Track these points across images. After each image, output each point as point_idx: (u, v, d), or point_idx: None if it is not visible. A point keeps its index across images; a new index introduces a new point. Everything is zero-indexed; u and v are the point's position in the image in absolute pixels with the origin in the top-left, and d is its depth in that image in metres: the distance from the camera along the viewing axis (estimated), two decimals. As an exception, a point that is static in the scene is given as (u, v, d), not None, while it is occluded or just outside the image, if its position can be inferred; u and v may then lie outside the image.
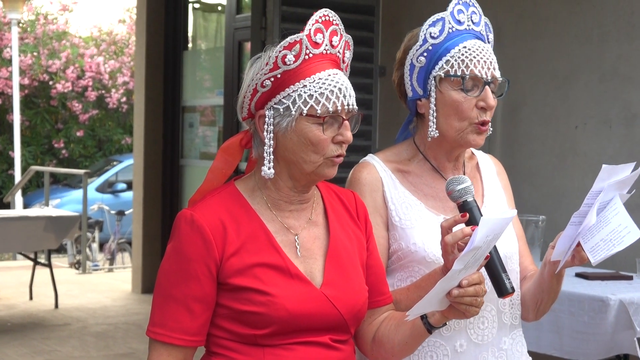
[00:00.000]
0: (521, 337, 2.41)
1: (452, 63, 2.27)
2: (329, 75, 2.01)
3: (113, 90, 18.18)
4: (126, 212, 12.12)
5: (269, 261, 2.01)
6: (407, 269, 2.29)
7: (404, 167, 2.37)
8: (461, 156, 2.42)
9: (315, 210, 2.13)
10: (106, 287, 10.04)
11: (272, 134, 2.01)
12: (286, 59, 1.98)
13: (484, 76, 2.27)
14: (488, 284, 2.05)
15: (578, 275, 4.71)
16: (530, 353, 4.41)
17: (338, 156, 2.03)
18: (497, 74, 2.30)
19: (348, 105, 2.01)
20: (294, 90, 1.99)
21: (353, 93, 2.04)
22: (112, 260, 11.88)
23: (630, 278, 4.70)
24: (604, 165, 2.15)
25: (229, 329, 2.01)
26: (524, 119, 5.92)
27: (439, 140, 2.32)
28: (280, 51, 1.98)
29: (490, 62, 2.29)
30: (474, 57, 2.27)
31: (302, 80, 1.99)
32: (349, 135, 2.02)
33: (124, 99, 18.21)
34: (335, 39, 2.04)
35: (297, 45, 1.99)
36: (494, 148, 6.00)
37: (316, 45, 2.01)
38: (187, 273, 1.99)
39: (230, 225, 2.02)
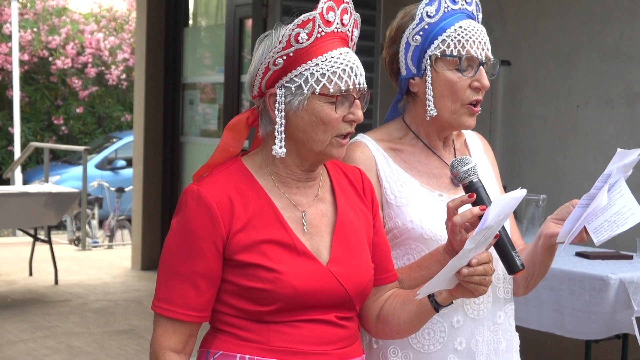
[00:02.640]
0: (512, 312, 2.44)
1: (448, 43, 2.28)
2: (341, 54, 2.01)
3: (113, 66, 18.15)
4: (126, 189, 12.14)
5: (276, 238, 2.01)
6: (403, 246, 2.30)
7: (396, 146, 2.38)
8: (451, 134, 2.43)
9: (322, 187, 2.14)
10: (106, 264, 10.07)
11: (283, 113, 2.01)
12: (299, 37, 1.98)
13: (479, 56, 2.29)
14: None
15: (579, 254, 4.72)
16: (532, 331, 4.46)
17: (347, 135, 2.04)
18: (490, 54, 2.32)
19: (359, 84, 2.01)
20: (306, 69, 1.99)
21: (363, 72, 2.04)
22: (111, 237, 11.91)
23: (631, 257, 4.71)
24: (618, 149, 2.16)
25: (235, 305, 2.02)
26: (525, 99, 5.91)
27: (431, 119, 2.33)
28: (293, 29, 1.98)
29: (485, 43, 2.31)
30: (470, 38, 2.28)
31: (314, 59, 1.99)
32: (360, 114, 2.02)
33: (123, 76, 18.18)
34: (346, 17, 2.04)
35: (310, 24, 1.98)
36: (495, 127, 6.00)
37: (328, 23, 2.00)
38: (193, 249, 1.99)
39: (237, 201, 2.01)
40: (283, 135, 2.02)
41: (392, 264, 2.22)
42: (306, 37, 1.98)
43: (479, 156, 2.48)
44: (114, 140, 15.93)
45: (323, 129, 2.00)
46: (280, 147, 2.01)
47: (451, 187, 2.36)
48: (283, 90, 2.01)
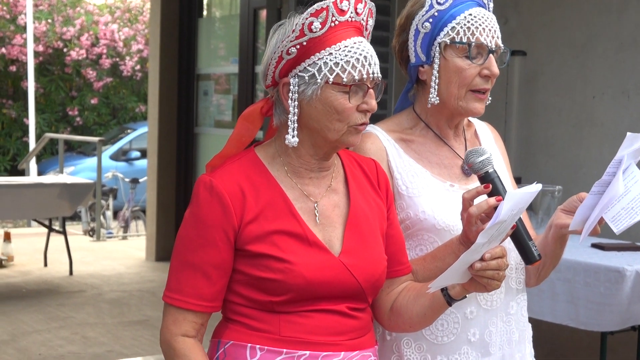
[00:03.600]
0: (525, 302, 2.42)
1: (458, 30, 2.26)
2: (355, 43, 1.99)
3: (127, 57, 18.16)
4: (140, 180, 12.15)
5: (288, 228, 2.00)
6: (415, 237, 2.28)
7: (407, 136, 2.36)
8: (461, 123, 2.42)
9: (335, 178, 2.12)
10: (120, 255, 10.08)
11: (296, 102, 2.00)
12: (312, 26, 1.96)
13: (489, 44, 2.27)
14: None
15: (594, 245, 4.69)
16: (546, 323, 4.43)
17: (362, 124, 2.02)
18: (500, 42, 2.30)
19: (373, 73, 2.00)
20: (319, 58, 1.98)
21: (377, 61, 2.02)
22: (126, 228, 11.93)
23: (646, 249, 4.68)
24: (628, 133, 2.12)
25: (246, 295, 2.01)
26: (541, 89, 5.87)
27: (440, 107, 2.32)
28: (307, 18, 1.96)
29: (495, 31, 2.29)
30: (480, 25, 2.26)
31: (328, 48, 1.97)
32: (373, 103, 2.01)
33: (138, 67, 18.19)
34: (360, 6, 2.03)
35: (324, 12, 1.97)
36: (510, 118, 5.96)
37: (342, 12, 1.99)
38: (205, 239, 1.98)
39: (249, 192, 2.01)
40: (296, 125, 2.01)
41: (406, 256, 2.21)
42: (320, 26, 1.97)
43: (489, 146, 2.47)
44: (129, 131, 15.96)
45: (337, 118, 1.99)
46: (293, 137, 2.00)
47: (462, 177, 2.34)
48: (297, 80, 2.00)
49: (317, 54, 1.98)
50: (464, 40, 2.25)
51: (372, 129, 2.35)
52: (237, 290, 2.03)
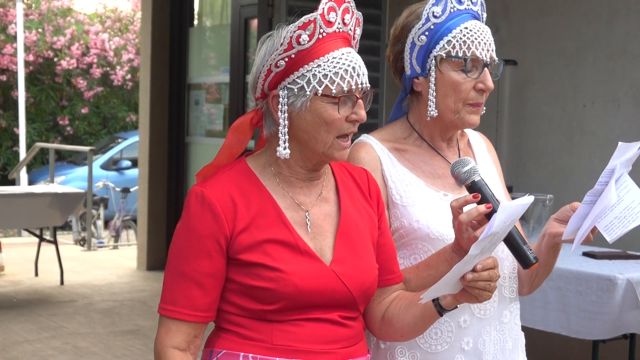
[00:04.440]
0: (518, 311, 2.43)
1: (454, 44, 2.27)
2: (343, 54, 2.00)
3: (118, 67, 18.15)
4: (131, 190, 12.14)
5: (279, 237, 2.00)
6: (409, 246, 2.29)
7: (401, 146, 2.37)
8: (454, 134, 2.43)
9: (326, 187, 2.13)
10: (111, 264, 10.07)
11: (286, 114, 2.00)
12: (300, 39, 1.97)
13: (484, 58, 2.28)
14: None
15: (585, 254, 4.70)
16: (538, 331, 4.44)
17: (348, 135, 2.03)
18: (495, 55, 2.32)
19: (362, 83, 2.00)
20: (308, 70, 1.98)
21: (366, 71, 2.03)
22: (117, 238, 11.91)
23: (638, 257, 4.69)
24: (620, 143, 2.13)
25: (238, 304, 2.01)
26: (532, 98, 5.89)
27: (435, 119, 2.32)
28: (294, 31, 1.97)
29: (490, 44, 2.30)
30: (475, 39, 2.27)
31: (316, 60, 1.98)
32: (363, 114, 2.02)
33: (128, 76, 18.18)
34: (347, 17, 2.03)
35: (311, 25, 1.97)
36: (502, 126, 5.98)
37: (329, 24, 1.99)
38: (198, 249, 1.98)
39: (240, 201, 2.01)
40: (287, 137, 2.01)
41: (397, 265, 2.21)
42: (307, 39, 1.97)
43: (482, 156, 2.48)
44: (119, 140, 15.94)
45: (326, 129, 2.00)
46: (285, 149, 2.01)
47: (456, 187, 2.35)
48: (286, 92, 2.00)
49: (306, 66, 1.98)
50: (460, 54, 2.26)
51: (366, 138, 2.36)
52: (229, 299, 2.03)
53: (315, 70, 1.98)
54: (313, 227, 2.06)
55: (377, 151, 2.33)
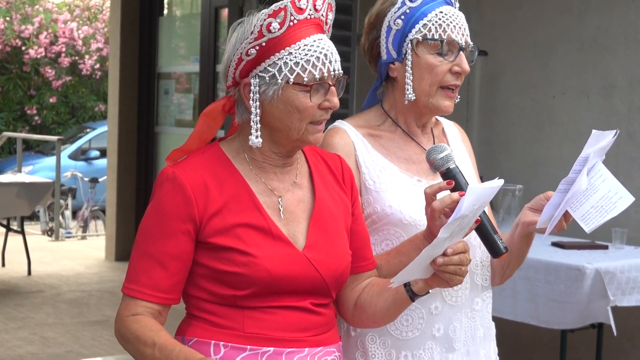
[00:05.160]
0: (490, 299, 2.43)
1: (430, 27, 2.28)
2: (314, 41, 1.98)
3: (87, 56, 17.99)
4: (100, 180, 12.04)
5: (252, 222, 1.99)
6: (382, 232, 2.28)
7: (375, 132, 2.37)
8: (429, 122, 2.43)
9: (299, 173, 2.11)
10: (79, 255, 9.99)
11: (258, 102, 1.98)
12: (271, 27, 1.95)
13: (460, 41, 2.30)
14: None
15: (554, 244, 4.73)
16: (507, 321, 4.46)
17: (322, 121, 2.02)
18: (470, 40, 2.33)
19: (334, 70, 1.99)
20: (279, 58, 1.96)
21: (338, 57, 2.01)
22: (85, 228, 11.82)
23: (606, 247, 4.72)
24: (593, 131, 2.13)
25: (209, 290, 1.99)
26: (502, 88, 5.91)
27: (410, 105, 2.32)
28: (265, 19, 1.95)
29: (465, 29, 2.32)
30: (451, 22, 2.29)
31: (287, 48, 1.96)
32: (335, 101, 2.00)
33: (97, 66, 18.02)
34: (319, 3, 2.01)
35: (282, 12, 1.96)
36: (472, 117, 5.99)
37: (300, 10, 1.97)
38: (165, 229, 1.97)
39: (212, 185, 1.99)
40: (259, 125, 1.99)
41: (370, 252, 2.20)
42: (278, 27, 1.96)
43: (456, 145, 2.48)
44: (88, 130, 15.81)
45: (299, 117, 1.98)
46: (257, 137, 1.99)
47: (430, 173, 2.34)
48: (257, 80, 1.98)
49: (277, 54, 1.96)
50: (436, 37, 2.27)
51: (340, 124, 2.35)
52: (200, 285, 2.01)
53: (286, 58, 1.96)
54: (286, 213, 2.05)
55: (351, 136, 2.32)
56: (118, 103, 9.37)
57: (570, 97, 5.51)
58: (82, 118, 18.29)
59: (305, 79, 1.96)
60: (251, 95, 1.99)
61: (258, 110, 1.99)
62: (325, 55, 1.97)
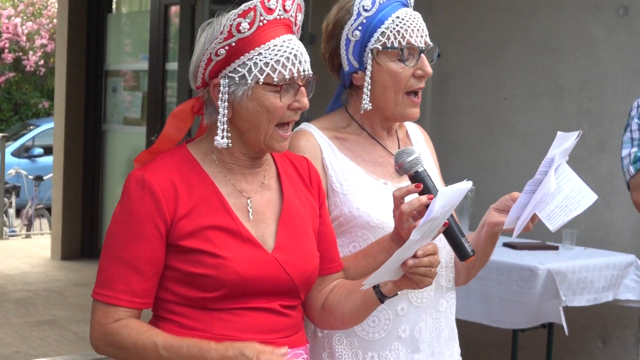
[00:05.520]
0: (454, 300, 2.47)
1: (388, 34, 2.28)
2: (284, 41, 1.98)
3: (30, 52, 17.77)
4: (44, 178, 11.88)
5: (221, 224, 1.98)
6: (349, 234, 2.29)
7: (341, 135, 2.38)
8: (394, 125, 2.44)
9: (268, 174, 2.11)
10: (24, 253, 9.86)
11: (226, 103, 1.98)
12: (240, 27, 1.95)
13: (419, 44, 2.30)
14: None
15: (506, 245, 4.78)
16: (459, 321, 4.49)
17: (289, 123, 2.02)
18: (429, 40, 2.34)
19: (304, 71, 2.00)
20: (249, 59, 1.96)
21: (308, 58, 2.02)
22: (29, 226, 11.66)
23: (556, 248, 4.79)
24: (558, 133, 2.17)
25: (178, 292, 1.99)
26: (453, 90, 5.96)
27: (374, 112, 2.34)
28: (234, 19, 1.95)
29: (423, 30, 2.33)
30: (408, 27, 2.29)
31: (257, 48, 1.96)
32: (305, 101, 2.01)
33: (41, 62, 17.81)
34: (288, 3, 2.02)
35: (251, 12, 1.96)
36: (424, 118, 6.03)
37: (270, 11, 1.98)
38: (137, 234, 1.95)
39: (181, 187, 1.99)
40: (226, 126, 1.99)
41: (337, 254, 2.21)
42: (248, 27, 1.96)
43: (420, 147, 2.50)
44: (31, 127, 15.60)
45: (267, 118, 1.98)
46: (223, 138, 1.99)
47: (395, 176, 2.36)
48: (227, 81, 1.98)
49: (247, 54, 1.96)
50: (395, 44, 2.28)
51: (307, 126, 2.36)
52: (168, 287, 2.00)
53: (256, 59, 1.96)
54: (255, 215, 2.05)
55: (317, 139, 2.33)
56: (65, 100, 9.26)
57: (520, 99, 5.58)
58: (26, 115, 18.06)
59: (275, 79, 1.96)
60: (220, 95, 1.98)
61: (226, 111, 1.98)
62: (295, 55, 1.98)
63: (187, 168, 2.02)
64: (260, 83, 1.96)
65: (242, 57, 1.97)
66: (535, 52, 5.49)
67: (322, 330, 2.30)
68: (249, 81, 1.96)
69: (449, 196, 1.91)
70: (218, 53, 1.97)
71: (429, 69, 2.31)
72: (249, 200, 2.05)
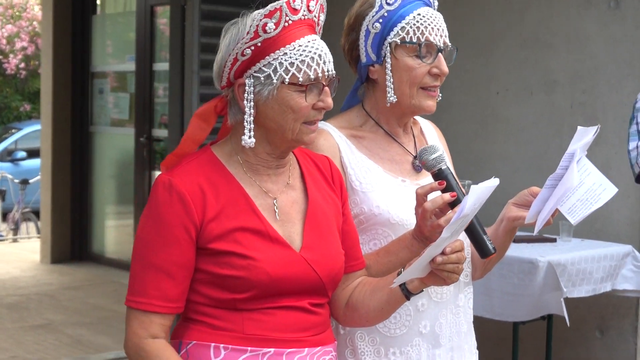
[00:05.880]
0: (471, 295, 2.49)
1: (408, 30, 2.30)
2: (309, 41, 2.00)
3: (11, 55, 17.67)
4: (30, 181, 11.83)
5: (249, 225, 1.99)
6: (369, 232, 2.31)
7: (358, 133, 2.39)
8: (410, 121, 2.45)
9: (292, 174, 2.13)
10: (13, 258, 9.82)
11: (252, 103, 1.99)
12: (267, 27, 1.96)
13: (438, 43, 2.32)
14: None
15: (504, 238, 4.79)
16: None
17: (315, 121, 2.03)
18: (448, 41, 2.35)
19: (328, 71, 2.01)
20: (274, 59, 1.97)
21: (331, 58, 2.03)
22: (16, 230, 11.61)
23: (554, 240, 4.82)
24: (579, 127, 2.19)
25: (208, 295, 2.00)
26: (446, 85, 5.91)
27: (392, 106, 2.35)
28: (260, 19, 1.96)
29: (443, 30, 2.34)
30: (429, 25, 2.31)
31: (282, 48, 1.97)
32: (329, 101, 2.02)
33: (22, 65, 17.72)
34: (312, 4, 2.03)
35: (277, 13, 1.97)
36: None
37: (295, 11, 1.99)
38: (168, 239, 1.96)
39: (208, 190, 1.99)
40: (252, 126, 2.00)
41: (360, 252, 2.22)
42: (274, 27, 1.97)
43: (435, 144, 2.51)
44: (14, 130, 15.50)
45: (293, 117, 1.99)
46: (250, 137, 2.00)
47: (413, 173, 2.38)
48: (252, 80, 1.99)
49: (272, 54, 1.98)
50: (414, 40, 2.29)
51: (324, 125, 2.36)
52: (198, 290, 2.00)
53: (281, 59, 1.97)
54: (281, 215, 2.06)
55: (335, 138, 2.34)
56: (51, 103, 9.22)
57: (513, 94, 5.61)
58: (7, 118, 17.96)
59: (301, 79, 1.97)
60: (245, 95, 1.99)
61: (252, 111, 1.99)
62: (320, 55, 2.00)
63: (212, 170, 2.03)
64: (286, 83, 1.97)
65: (267, 57, 1.98)
66: (527, 46, 5.52)
67: (344, 328, 2.31)
68: (275, 81, 1.97)
69: (479, 193, 1.94)
70: (244, 53, 1.98)
71: (445, 68, 2.33)
72: (275, 201, 2.06)
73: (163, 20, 8.63)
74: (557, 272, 4.33)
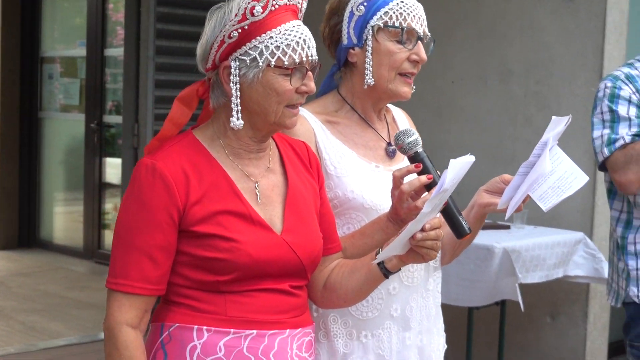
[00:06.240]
0: (440, 279, 2.54)
1: (391, 15, 2.35)
2: (294, 26, 2.03)
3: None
4: (-24, 167, 11.66)
5: (232, 208, 2.02)
6: (343, 216, 2.35)
7: (332, 118, 2.42)
8: (383, 108, 2.50)
9: (272, 158, 2.16)
10: (-40, 244, 9.67)
11: (238, 85, 2.02)
12: (254, 10, 1.99)
13: (419, 31, 2.37)
14: None
15: (460, 225, 4.86)
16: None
17: (297, 105, 2.07)
18: (427, 31, 2.40)
19: (311, 56, 2.05)
20: (260, 42, 2.00)
21: (314, 44, 2.07)
22: (-39, 217, 11.43)
23: (508, 227, 4.91)
24: (553, 117, 2.25)
25: (190, 277, 2.02)
26: (401, 74, 6.02)
27: (368, 90, 2.39)
28: (248, 2, 1.99)
29: (423, 20, 2.41)
30: (411, 12, 2.37)
31: (268, 32, 2.00)
32: (312, 85, 2.06)
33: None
34: None
35: None
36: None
37: None
38: (150, 221, 1.97)
39: (192, 174, 2.01)
40: (239, 107, 2.02)
41: (337, 235, 2.27)
42: (261, 10, 2.00)
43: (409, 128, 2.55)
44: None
45: (277, 100, 2.02)
46: (238, 119, 2.02)
47: (386, 159, 2.42)
48: (237, 63, 2.02)
49: (259, 37, 2.00)
50: (397, 24, 2.34)
51: (299, 110, 2.39)
52: (181, 272, 2.02)
53: (267, 42, 2.00)
54: (262, 198, 2.09)
55: (310, 123, 2.37)
56: (0, 88, 9.09)
57: (468, 83, 5.68)
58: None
59: (286, 63, 2.00)
60: (231, 78, 2.02)
61: (238, 93, 2.02)
62: (304, 40, 2.03)
63: (195, 154, 2.05)
64: (272, 66, 2.00)
65: (254, 40, 2.00)
66: (483, 36, 5.60)
67: (318, 310, 2.35)
68: (261, 64, 2.00)
69: (458, 168, 1.99)
70: (231, 35, 2.01)
71: (424, 55, 2.39)
72: (256, 184, 2.09)
73: (111, 5, 8.56)
74: (512, 259, 4.42)
